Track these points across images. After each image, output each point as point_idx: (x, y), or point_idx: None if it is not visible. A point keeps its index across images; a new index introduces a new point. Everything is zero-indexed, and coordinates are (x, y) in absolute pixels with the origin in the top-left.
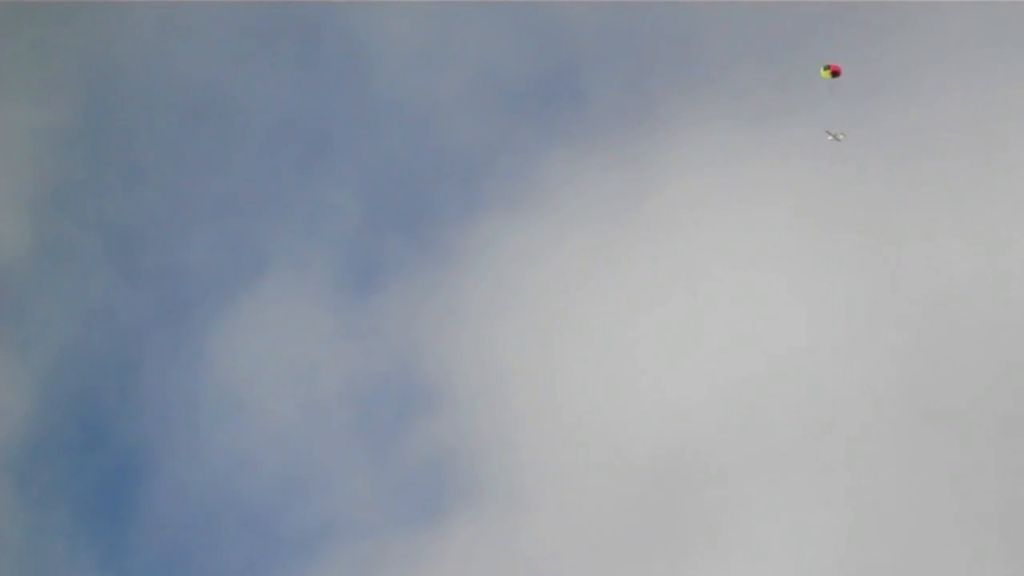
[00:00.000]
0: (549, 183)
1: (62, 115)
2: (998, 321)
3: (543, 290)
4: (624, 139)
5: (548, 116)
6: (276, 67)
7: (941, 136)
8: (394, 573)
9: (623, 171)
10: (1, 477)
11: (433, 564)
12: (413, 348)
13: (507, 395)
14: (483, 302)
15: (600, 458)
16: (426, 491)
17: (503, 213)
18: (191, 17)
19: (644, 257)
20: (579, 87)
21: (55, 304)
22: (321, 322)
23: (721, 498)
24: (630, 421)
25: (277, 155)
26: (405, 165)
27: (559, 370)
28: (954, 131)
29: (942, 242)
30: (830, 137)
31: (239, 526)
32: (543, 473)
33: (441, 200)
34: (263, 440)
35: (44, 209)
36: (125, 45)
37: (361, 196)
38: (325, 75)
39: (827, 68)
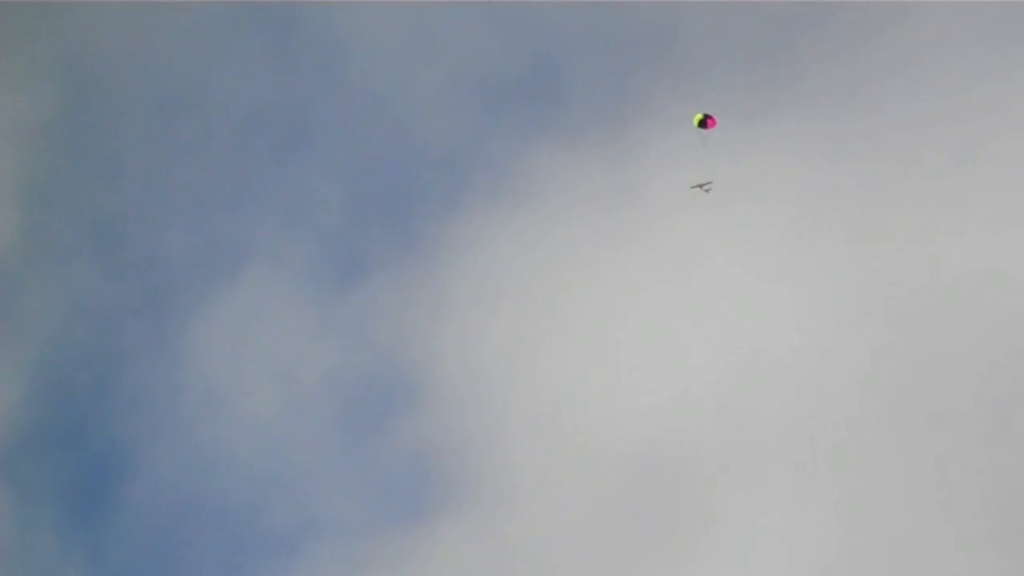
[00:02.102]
0: (534, 178)
1: (42, 109)
2: (987, 318)
3: (528, 286)
4: (609, 134)
5: (532, 111)
6: (256, 60)
7: (928, 133)
8: (379, 572)
9: (609, 166)
10: None
11: (419, 563)
12: (396, 344)
13: (492, 392)
14: (467, 297)
15: (587, 455)
16: (410, 489)
17: (487, 208)
18: (171, 11)
19: (630, 253)
20: (563, 82)
21: (38, 298)
22: (303, 317)
23: (709, 495)
24: (617, 418)
25: (259, 148)
26: (388, 159)
27: (545, 366)
28: (940, 128)
29: (931, 239)
30: (696, 188)
31: (221, 523)
32: (529, 471)
33: (424, 194)
34: (244, 436)
35: (25, 203)
36: (105, 39)
37: (343, 189)
38: (307, 68)
39: (702, 118)
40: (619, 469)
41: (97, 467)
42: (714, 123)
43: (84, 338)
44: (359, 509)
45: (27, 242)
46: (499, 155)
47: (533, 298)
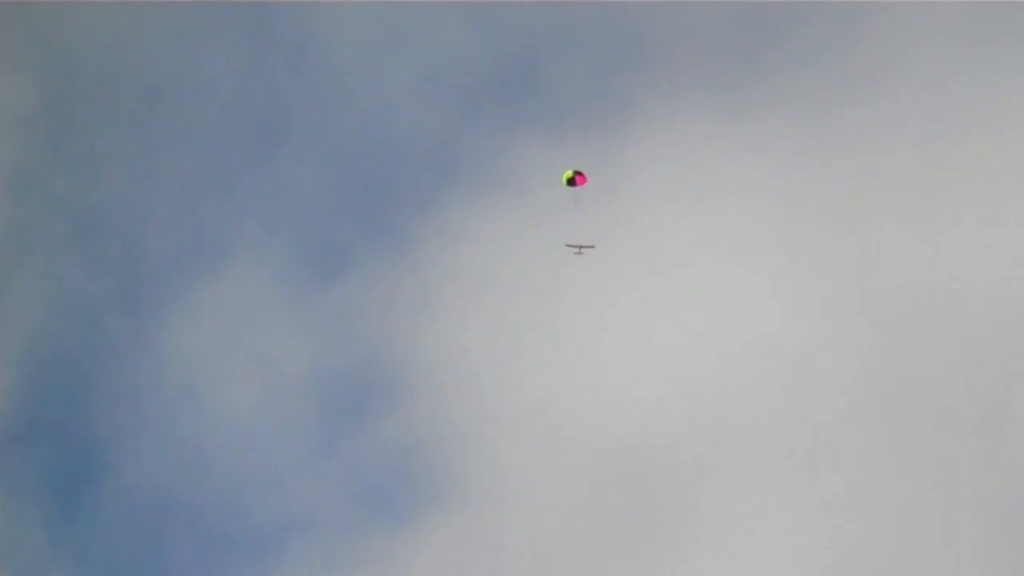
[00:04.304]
0: (517, 172)
1: (23, 103)
2: (975, 313)
3: (513, 280)
4: (593, 129)
5: (514, 106)
6: (239, 55)
7: (912, 129)
8: (364, 569)
9: (593, 161)
10: None
11: (403, 561)
12: (379, 339)
13: (477, 388)
14: (451, 292)
15: (573, 451)
16: (394, 486)
17: (471, 202)
18: (152, 6)
19: (616, 248)
20: (545, 78)
21: (18, 292)
22: (285, 312)
23: (697, 490)
24: (604, 413)
25: (241, 143)
26: (370, 154)
27: (530, 362)
28: (924, 124)
29: (916, 235)
30: (575, 250)
31: (203, 519)
32: (515, 467)
33: (407, 189)
34: (226, 432)
35: (5, 196)
36: (85, 33)
37: (325, 184)
38: (290, 62)
39: (571, 176)
40: (606, 465)
41: (78, 462)
42: (584, 180)
43: (64, 332)
44: (343, 506)
45: (7, 236)
46: (482, 149)
47: (517, 293)
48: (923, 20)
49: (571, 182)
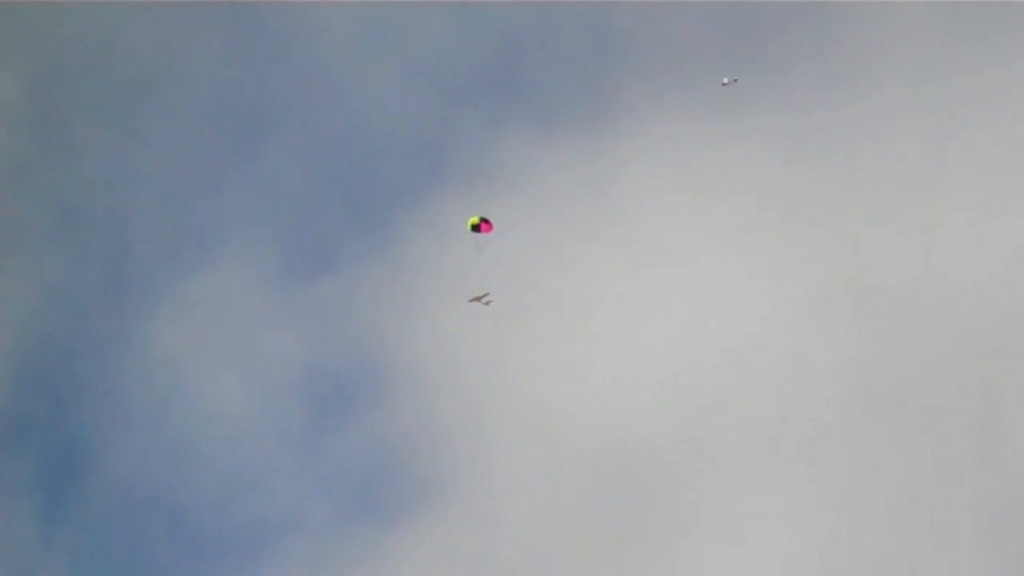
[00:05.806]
0: (506, 168)
1: (8, 96)
2: (964, 310)
3: (503, 275)
4: (582, 126)
5: (503, 102)
6: (225, 49)
7: (901, 127)
8: (352, 568)
9: (581, 157)
10: None
11: (392, 558)
12: (367, 335)
13: (465, 384)
14: (439, 288)
15: (563, 448)
16: (382, 483)
17: (459, 197)
18: (140, 1)
19: (604, 244)
20: (534, 74)
21: (3, 287)
22: (272, 307)
23: (688, 486)
24: (593, 410)
25: (227, 137)
26: (359, 150)
27: (520, 358)
28: (913, 122)
29: (905, 231)
30: (475, 301)
31: (191, 516)
32: (504, 463)
33: (396, 184)
34: (213, 429)
35: None
36: (72, 27)
37: (314, 180)
38: (281, 59)
39: (477, 222)
40: (595, 461)
41: (65, 458)
42: (489, 228)
43: (49, 328)
44: (331, 503)
45: None
46: (470, 146)
47: (505, 289)
48: (910, 18)
49: (476, 228)
